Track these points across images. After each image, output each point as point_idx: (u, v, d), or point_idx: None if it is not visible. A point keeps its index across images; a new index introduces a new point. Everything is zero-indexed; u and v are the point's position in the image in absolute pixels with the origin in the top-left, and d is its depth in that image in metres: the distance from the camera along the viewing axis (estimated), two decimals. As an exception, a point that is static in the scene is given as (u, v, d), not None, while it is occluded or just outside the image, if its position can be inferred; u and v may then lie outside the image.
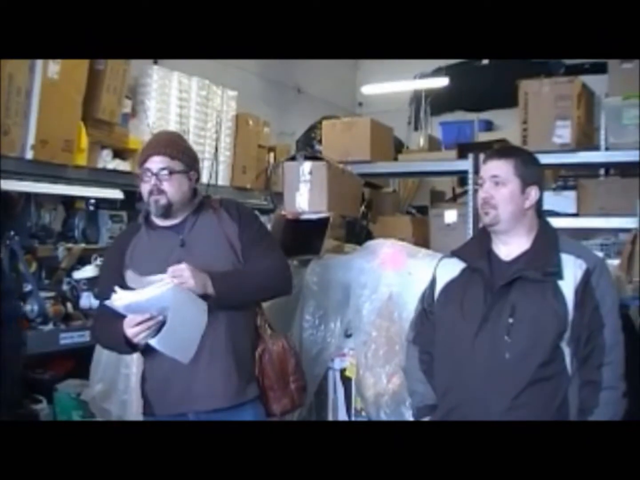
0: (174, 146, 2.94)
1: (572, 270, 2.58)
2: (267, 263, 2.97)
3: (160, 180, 2.87)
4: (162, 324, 2.68)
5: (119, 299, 2.66)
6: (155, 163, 2.88)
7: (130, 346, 2.79)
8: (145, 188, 2.91)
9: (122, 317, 2.73)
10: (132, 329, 2.70)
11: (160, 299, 2.63)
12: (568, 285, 2.56)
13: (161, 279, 2.69)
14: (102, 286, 3.18)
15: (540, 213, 2.78)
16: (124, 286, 2.86)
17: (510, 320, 2.57)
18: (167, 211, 2.92)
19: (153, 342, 2.68)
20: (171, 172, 2.88)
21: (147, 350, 2.85)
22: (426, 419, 2.81)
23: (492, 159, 2.76)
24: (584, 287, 2.56)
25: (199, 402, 2.88)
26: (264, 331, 3.06)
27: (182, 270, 2.73)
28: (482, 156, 4.38)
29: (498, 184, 2.68)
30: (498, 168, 2.71)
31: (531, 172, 2.72)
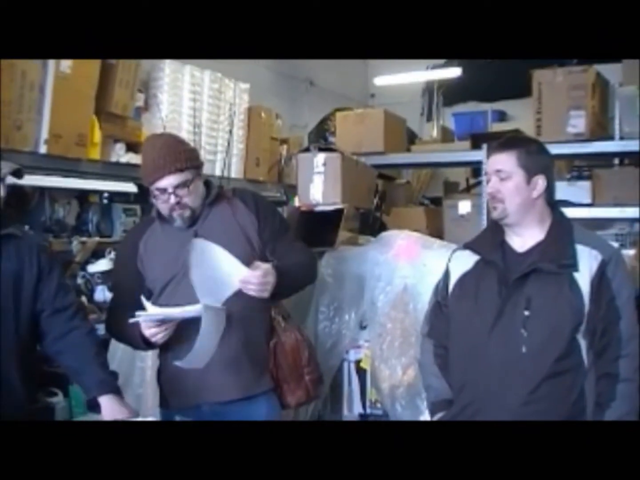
0: (178, 157, 2.83)
1: (587, 262, 2.55)
2: (302, 256, 3.02)
3: (180, 196, 2.83)
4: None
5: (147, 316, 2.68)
6: (169, 182, 2.81)
7: (147, 344, 2.81)
8: (164, 206, 2.87)
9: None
10: (150, 330, 2.72)
11: (190, 317, 2.65)
12: (584, 277, 2.54)
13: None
14: (116, 278, 3.22)
15: (554, 203, 2.75)
16: (138, 279, 2.92)
17: (526, 313, 2.55)
18: (193, 218, 2.91)
19: (180, 363, 2.67)
20: (187, 185, 2.84)
21: (162, 343, 2.86)
22: (442, 413, 2.79)
23: (494, 152, 2.73)
24: (600, 279, 2.54)
25: (213, 394, 2.89)
26: (277, 323, 3.06)
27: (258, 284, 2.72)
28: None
29: (503, 178, 2.66)
30: (501, 162, 2.68)
31: (535, 161, 2.68)
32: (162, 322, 2.70)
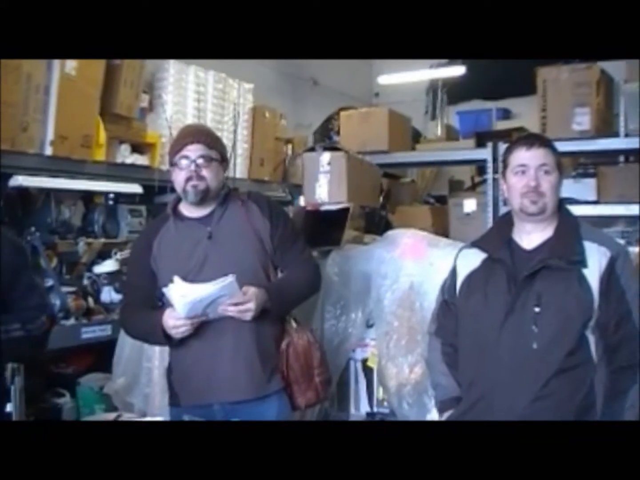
0: (210, 135, 3.03)
1: (596, 258, 2.57)
2: (306, 269, 3.08)
3: (199, 166, 2.91)
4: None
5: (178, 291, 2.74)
6: (194, 151, 2.92)
7: (167, 337, 2.85)
8: (181, 175, 2.94)
9: (157, 306, 2.85)
10: (174, 321, 2.78)
11: (220, 291, 2.73)
12: (592, 273, 2.55)
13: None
14: (130, 277, 3.26)
15: (560, 201, 2.76)
16: (152, 279, 2.99)
17: (537, 310, 2.56)
18: (205, 197, 2.95)
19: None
20: (210, 160, 2.93)
21: (173, 341, 2.89)
22: (450, 411, 2.80)
23: (537, 146, 2.69)
24: (610, 275, 2.55)
25: (223, 393, 2.91)
26: (289, 325, 3.08)
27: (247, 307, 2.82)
28: (503, 144, 4.37)
29: (547, 172, 2.66)
30: (545, 156, 2.68)
31: (560, 161, 2.72)
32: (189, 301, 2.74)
